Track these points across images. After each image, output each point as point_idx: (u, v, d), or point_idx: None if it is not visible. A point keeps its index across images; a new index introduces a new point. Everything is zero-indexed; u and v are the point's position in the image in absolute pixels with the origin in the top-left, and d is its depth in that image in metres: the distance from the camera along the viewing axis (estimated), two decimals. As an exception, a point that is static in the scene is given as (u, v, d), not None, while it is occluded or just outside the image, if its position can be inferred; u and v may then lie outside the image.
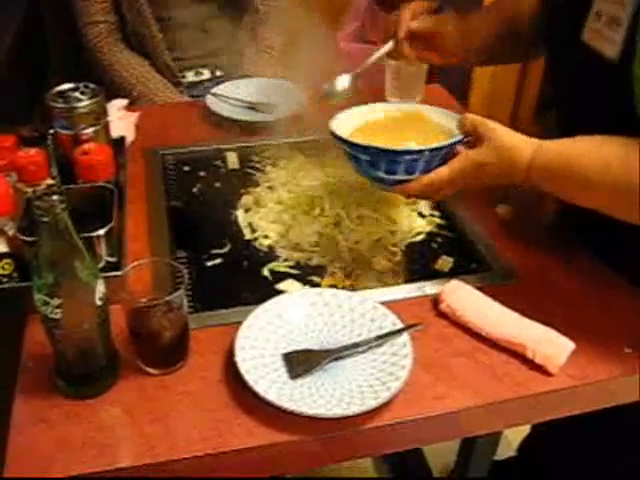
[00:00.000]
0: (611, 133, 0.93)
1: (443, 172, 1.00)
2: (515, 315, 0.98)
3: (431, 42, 1.30)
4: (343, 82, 1.30)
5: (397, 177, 1.03)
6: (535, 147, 0.95)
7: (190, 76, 1.96)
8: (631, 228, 0.91)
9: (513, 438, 1.75)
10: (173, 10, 1.87)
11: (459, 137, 1.02)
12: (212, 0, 1.91)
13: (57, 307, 0.79)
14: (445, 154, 1.01)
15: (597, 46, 0.97)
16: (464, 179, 1.00)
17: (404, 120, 1.15)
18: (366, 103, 1.18)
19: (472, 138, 1.00)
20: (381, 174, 1.03)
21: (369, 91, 1.62)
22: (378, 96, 1.60)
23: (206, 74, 1.97)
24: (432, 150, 1.00)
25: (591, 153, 0.91)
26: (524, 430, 1.60)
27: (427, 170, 1.01)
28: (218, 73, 1.96)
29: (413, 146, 1.03)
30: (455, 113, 1.09)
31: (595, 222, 0.96)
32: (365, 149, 1.03)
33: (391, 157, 1.01)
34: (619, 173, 0.87)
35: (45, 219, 0.75)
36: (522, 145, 0.96)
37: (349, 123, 1.13)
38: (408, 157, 1.00)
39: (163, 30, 1.87)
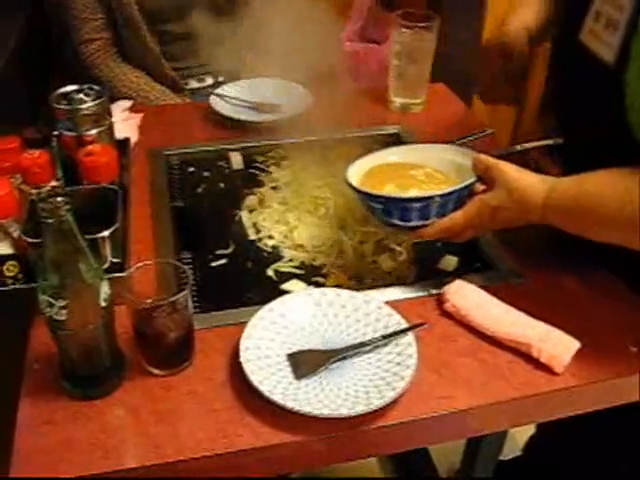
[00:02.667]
0: (602, 133, 0.93)
1: (459, 218, 1.00)
2: (520, 314, 0.97)
3: None
4: None
5: (412, 223, 1.02)
6: (548, 187, 0.95)
7: (193, 83, 1.95)
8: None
9: (519, 437, 1.75)
10: (170, 24, 1.86)
11: (472, 179, 1.01)
12: (208, 9, 1.90)
13: (62, 308, 0.79)
14: (460, 196, 1.00)
15: (594, 47, 0.97)
16: (480, 222, 1.00)
17: (417, 163, 1.13)
18: None
19: (486, 180, 1.00)
20: (396, 221, 1.02)
21: (373, 92, 1.63)
22: (382, 97, 1.60)
23: (209, 80, 1.96)
24: (443, 195, 0.99)
25: (606, 190, 0.90)
26: (530, 429, 1.60)
27: (443, 214, 1.00)
28: (221, 79, 1.95)
29: (424, 191, 1.03)
30: (470, 150, 1.08)
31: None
32: (376, 198, 1.02)
33: (403, 204, 1.00)
34: (637, 209, 0.86)
35: (49, 221, 0.75)
36: (534, 186, 0.96)
37: (362, 169, 1.11)
38: (419, 204, 0.99)
39: (161, 43, 1.87)
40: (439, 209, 1.00)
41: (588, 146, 1.02)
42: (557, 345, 0.93)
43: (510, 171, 0.98)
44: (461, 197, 1.00)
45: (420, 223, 1.01)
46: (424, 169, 1.11)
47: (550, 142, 1.15)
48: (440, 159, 1.12)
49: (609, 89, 0.92)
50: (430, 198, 0.99)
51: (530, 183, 0.96)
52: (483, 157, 1.02)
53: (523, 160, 1.10)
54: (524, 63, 1.32)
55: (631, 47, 0.89)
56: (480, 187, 1.02)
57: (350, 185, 1.05)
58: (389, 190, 1.06)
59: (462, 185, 1.00)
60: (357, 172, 1.09)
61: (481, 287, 1.02)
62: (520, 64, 1.32)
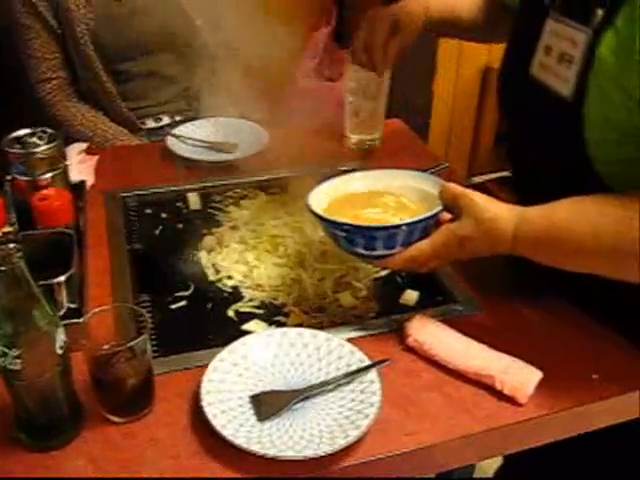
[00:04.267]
0: (559, 164, 0.93)
1: (425, 247, 0.97)
2: (482, 346, 0.98)
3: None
4: None
5: (377, 253, 0.99)
6: (518, 216, 0.93)
7: (149, 123, 1.94)
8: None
9: (487, 467, 1.74)
10: (126, 63, 1.86)
11: (438, 208, 0.98)
12: (165, 49, 1.90)
13: (16, 358, 0.77)
14: (426, 225, 0.98)
15: (548, 81, 0.98)
16: (447, 252, 0.97)
17: (383, 190, 1.10)
18: None
19: (453, 209, 0.97)
20: (360, 250, 0.99)
21: (329, 129, 1.64)
22: (338, 134, 1.61)
23: (166, 120, 1.96)
24: (410, 224, 0.96)
25: (579, 219, 0.89)
26: (498, 460, 1.60)
27: (409, 243, 0.97)
28: (178, 118, 1.95)
29: (391, 219, 1.00)
30: (437, 178, 1.06)
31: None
32: (340, 226, 0.98)
33: (368, 233, 0.97)
34: (612, 238, 0.86)
35: (2, 268, 0.74)
36: (504, 216, 0.93)
37: (326, 196, 1.08)
38: (385, 232, 0.96)
39: (118, 82, 1.85)
40: (405, 238, 0.97)
41: (543, 178, 1.02)
42: (520, 376, 0.93)
43: (479, 201, 0.94)
44: (428, 226, 0.98)
45: (385, 252, 0.98)
46: (389, 197, 1.09)
47: (506, 173, 1.16)
48: (405, 186, 1.09)
49: (566, 122, 0.93)
50: (396, 227, 0.96)
51: (500, 214, 0.93)
52: (451, 185, 0.99)
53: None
54: (407, 44, 1.35)
55: (588, 81, 0.90)
56: (446, 216, 0.99)
57: (313, 212, 1.02)
58: (352, 217, 1.02)
59: (429, 214, 0.97)
60: (320, 199, 1.06)
61: (443, 321, 1.03)
62: (403, 44, 1.35)
